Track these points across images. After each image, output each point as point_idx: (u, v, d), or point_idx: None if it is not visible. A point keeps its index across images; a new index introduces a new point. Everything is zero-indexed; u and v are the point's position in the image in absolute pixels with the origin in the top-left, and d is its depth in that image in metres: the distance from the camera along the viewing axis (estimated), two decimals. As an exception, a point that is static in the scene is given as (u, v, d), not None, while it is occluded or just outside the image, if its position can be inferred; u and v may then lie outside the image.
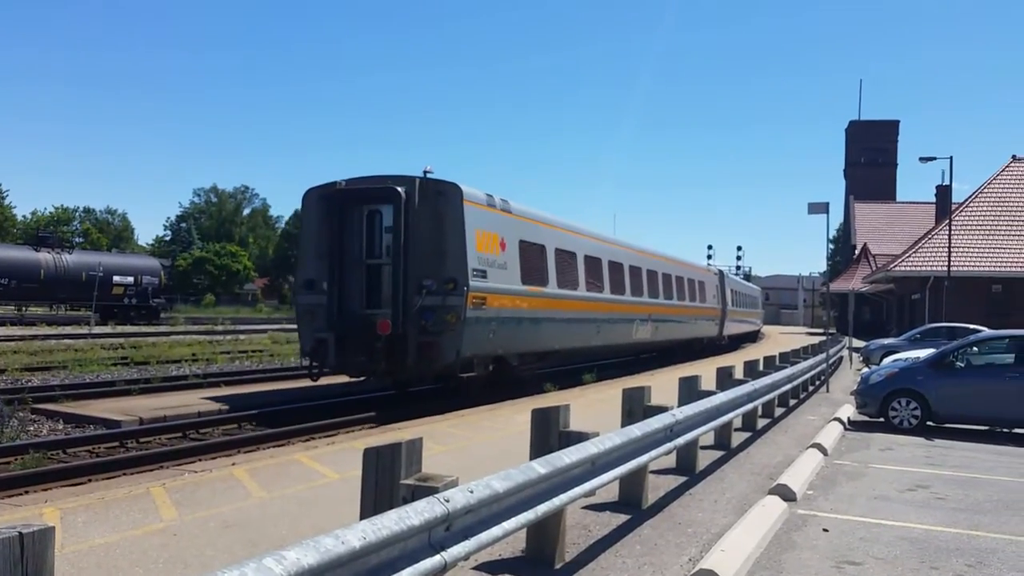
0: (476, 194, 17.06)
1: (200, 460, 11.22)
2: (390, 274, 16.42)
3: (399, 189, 16.14)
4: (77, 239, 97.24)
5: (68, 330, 38.36)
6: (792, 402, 18.11)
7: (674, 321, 31.81)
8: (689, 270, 35.48)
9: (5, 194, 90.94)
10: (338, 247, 16.66)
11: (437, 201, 16.39)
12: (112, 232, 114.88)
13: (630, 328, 26.47)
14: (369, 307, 16.76)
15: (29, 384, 18.05)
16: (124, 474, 10.46)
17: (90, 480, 10.10)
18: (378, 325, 15.91)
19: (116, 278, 48.54)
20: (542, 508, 5.35)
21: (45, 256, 45.32)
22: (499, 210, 17.94)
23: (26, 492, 9.31)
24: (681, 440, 8.57)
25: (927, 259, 41.80)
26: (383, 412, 15.98)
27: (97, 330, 38.90)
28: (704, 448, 11.14)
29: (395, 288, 16.15)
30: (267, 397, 17.48)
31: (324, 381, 18.06)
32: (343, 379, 18.13)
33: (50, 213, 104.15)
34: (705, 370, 15.07)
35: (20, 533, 2.57)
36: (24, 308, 49.26)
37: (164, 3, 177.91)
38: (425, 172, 16.65)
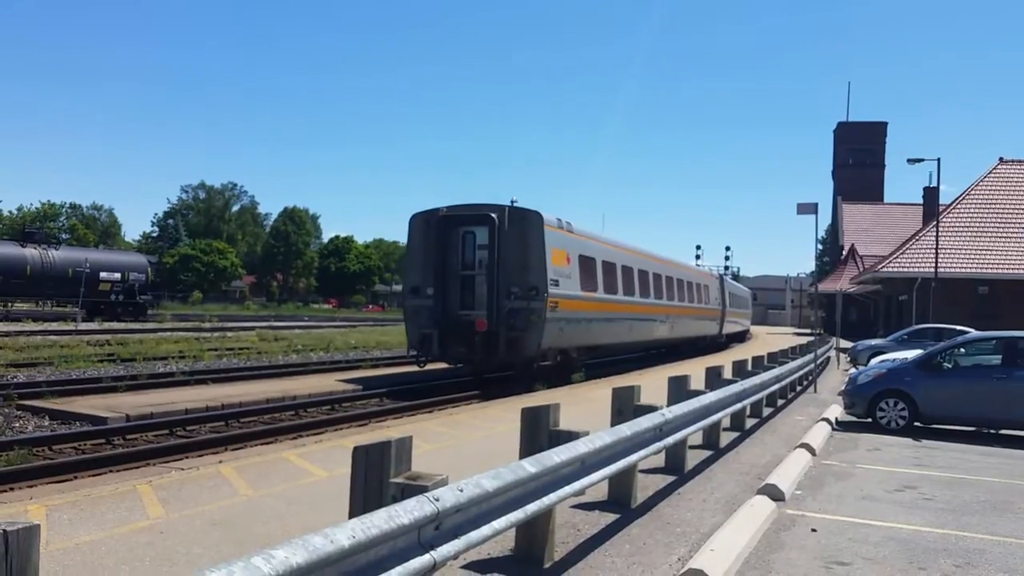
0: (551, 219, 20.99)
1: (187, 457, 11.16)
2: (482, 282, 20.31)
3: (492, 215, 20.14)
4: (64, 235, 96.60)
5: (54, 326, 38.18)
6: (780, 402, 18.15)
7: (685, 320, 35.57)
8: (696, 275, 40.04)
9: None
10: (440, 260, 20.43)
11: (522, 225, 20.29)
12: (99, 228, 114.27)
13: (653, 327, 30.44)
14: (463, 309, 20.48)
15: (15, 380, 17.92)
16: (110, 471, 10.39)
17: (76, 477, 10.03)
18: (476, 323, 19.89)
19: (103, 274, 48.28)
20: (532, 507, 5.33)
21: (31, 252, 45.04)
22: (565, 231, 21.85)
23: (11, 489, 9.23)
24: (670, 440, 8.56)
25: (914, 260, 41.99)
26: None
27: (83, 326, 38.72)
28: (693, 448, 11.14)
29: (489, 294, 20.05)
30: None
31: (400, 369, 23.30)
32: (413, 368, 22.15)
33: (36, 209, 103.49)
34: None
35: (4, 531, 2.53)
36: (10, 304, 48.92)
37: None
38: (512, 201, 20.87)
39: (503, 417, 13.76)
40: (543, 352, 20.49)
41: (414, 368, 21.95)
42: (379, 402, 18.00)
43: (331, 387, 19.29)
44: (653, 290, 29.83)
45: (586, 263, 23.10)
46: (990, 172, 47.22)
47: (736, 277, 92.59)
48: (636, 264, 28.14)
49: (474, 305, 20.38)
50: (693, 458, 10.83)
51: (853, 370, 22.16)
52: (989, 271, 41.06)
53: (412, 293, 21.10)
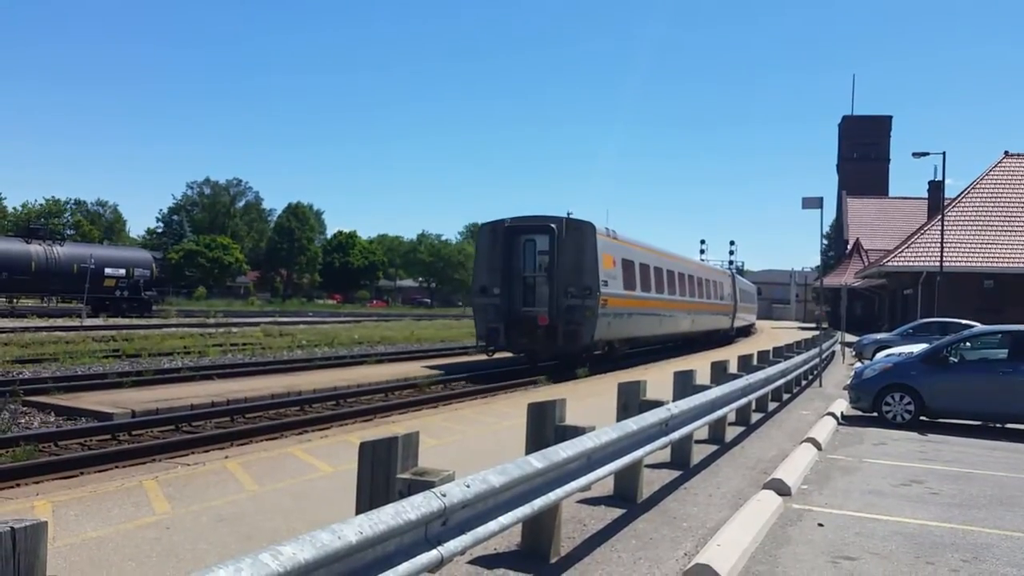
0: (600, 228, 23.90)
1: (193, 453, 11.17)
2: (542, 283, 23.40)
3: (552, 225, 23.02)
4: (68, 231, 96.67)
5: (59, 322, 38.22)
6: (785, 397, 18.13)
7: (704, 316, 38.75)
8: (712, 273, 43.54)
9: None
10: (505, 264, 23.41)
11: (577, 233, 23.16)
12: (103, 224, 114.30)
13: (678, 321, 33.55)
14: (526, 306, 23.53)
15: (20, 376, 17.95)
16: (116, 467, 10.40)
17: (82, 473, 10.04)
18: (538, 318, 22.91)
19: (108, 270, 48.33)
20: (538, 503, 5.32)
21: (36, 248, 45.08)
22: (611, 238, 24.85)
23: (17, 485, 9.24)
24: (676, 435, 8.55)
25: (919, 254, 41.85)
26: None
27: (88, 322, 38.78)
28: (699, 442, 11.14)
29: (549, 293, 23.03)
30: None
31: (464, 359, 26.55)
32: (481, 357, 25.46)
33: (41, 205, 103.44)
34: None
35: (12, 528, 2.52)
36: (15, 300, 49.01)
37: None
38: (568, 213, 23.60)
39: (509, 412, 13.76)
40: (595, 343, 23.49)
41: (415, 367, 21.90)
42: (384, 397, 18.01)
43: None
44: (678, 288, 32.86)
45: (627, 265, 26.07)
46: (996, 166, 46.99)
47: (741, 271, 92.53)
48: (665, 265, 31.20)
49: (535, 303, 23.45)
50: (699, 453, 10.82)
51: (858, 364, 22.12)
52: (995, 265, 40.90)
53: (480, 292, 23.97)
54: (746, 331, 55.84)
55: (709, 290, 39.74)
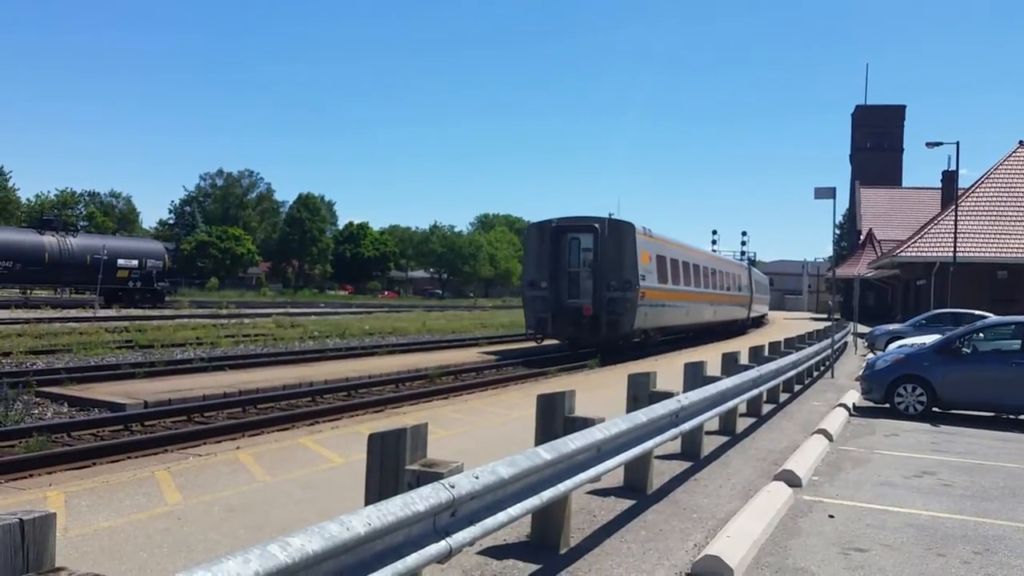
0: (639, 227, 25.99)
1: (205, 444, 11.21)
2: (586, 277, 25.49)
3: (596, 225, 25.28)
4: (81, 222, 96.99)
5: (73, 313, 38.41)
6: (797, 388, 18.07)
7: (725, 306, 41.08)
8: (731, 266, 46.19)
9: (9, 177, 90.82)
10: (553, 260, 25.56)
11: (618, 232, 25.33)
12: (116, 215, 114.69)
13: (702, 311, 35.53)
14: (571, 298, 25.62)
15: (34, 367, 18.06)
16: (128, 458, 10.44)
17: (94, 464, 10.09)
18: (583, 309, 25.13)
19: (120, 261, 48.51)
20: (547, 494, 5.32)
21: (49, 239, 45.28)
22: (647, 236, 26.79)
23: (30, 476, 9.30)
24: (686, 426, 8.53)
25: (933, 245, 41.60)
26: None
27: (101, 313, 38.97)
28: (709, 434, 11.11)
29: (593, 286, 25.17)
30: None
31: (505, 347, 28.92)
32: (517, 346, 28.64)
33: (54, 196, 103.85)
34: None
35: (21, 520, 2.54)
36: (29, 291, 49.22)
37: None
38: (610, 214, 26.27)
39: (518, 403, 13.77)
40: (634, 331, 25.79)
41: (413, 360, 21.84)
42: (395, 388, 18.05)
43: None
44: (702, 281, 35.04)
45: (661, 260, 28.18)
46: (1010, 155, 46.62)
47: (753, 262, 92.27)
48: (691, 259, 33.45)
49: (579, 295, 25.51)
50: (709, 444, 10.80)
51: (871, 355, 22.03)
52: (1008, 255, 40.61)
53: (530, 286, 26.22)
54: (759, 321, 56.48)
55: (728, 282, 41.80)
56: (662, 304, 28.17)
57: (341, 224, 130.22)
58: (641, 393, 8.51)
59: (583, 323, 25.28)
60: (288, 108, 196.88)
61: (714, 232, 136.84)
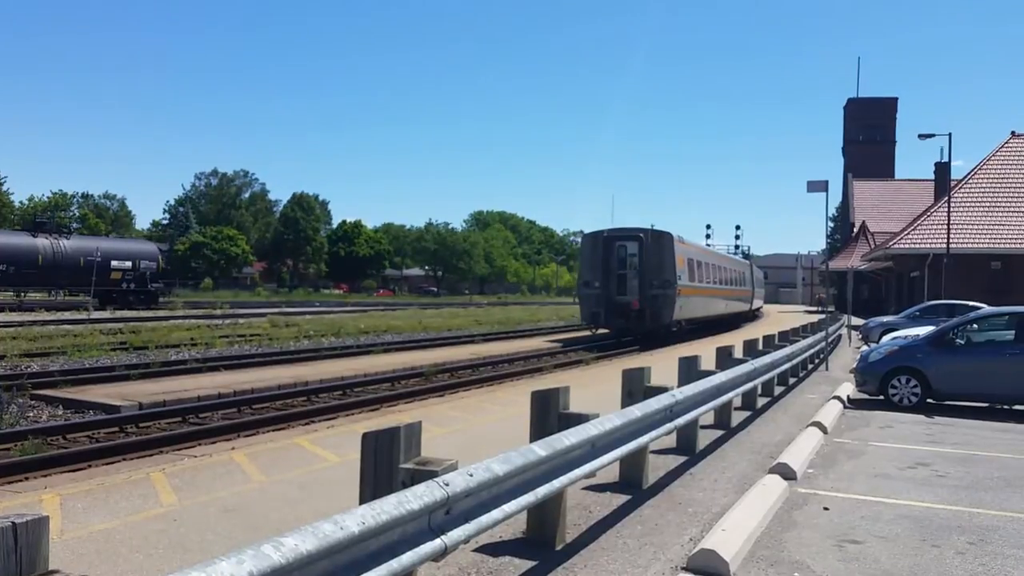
0: (675, 235, 31.43)
1: (200, 445, 11.18)
2: (632, 277, 30.75)
3: (641, 235, 30.84)
4: (75, 224, 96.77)
5: (67, 315, 38.30)
6: (791, 381, 18.11)
7: (733, 300, 45.91)
8: (736, 263, 51.88)
9: (2, 180, 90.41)
10: (604, 264, 30.87)
11: (659, 240, 30.85)
12: (110, 217, 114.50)
13: (719, 305, 40.83)
14: (619, 295, 30.78)
15: (28, 370, 17.99)
16: (124, 459, 10.41)
17: (90, 466, 10.06)
18: (631, 303, 30.27)
19: (114, 263, 48.41)
20: (542, 490, 5.33)
21: (43, 242, 45.18)
22: (681, 242, 32.41)
23: (26, 478, 9.27)
24: (681, 420, 8.54)
25: (926, 236, 41.69)
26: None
27: (96, 315, 38.83)
28: (704, 428, 11.14)
29: (639, 285, 30.45)
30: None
31: (558, 336, 33.95)
32: (571, 335, 33.74)
33: (48, 198, 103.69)
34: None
35: (13, 523, 2.54)
36: (23, 294, 49.13)
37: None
38: (651, 225, 31.85)
39: (513, 400, 13.78)
40: (672, 322, 30.95)
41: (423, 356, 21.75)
42: (390, 386, 18.04)
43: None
44: (719, 279, 40.54)
45: (690, 263, 33.48)
46: (1002, 146, 46.71)
47: (747, 256, 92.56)
48: (710, 260, 39.37)
49: (627, 292, 30.69)
50: (704, 438, 10.83)
51: (865, 348, 22.07)
52: (1002, 246, 40.72)
53: (585, 285, 31.70)
54: (756, 314, 58.71)
55: (735, 278, 47.28)
56: (692, 299, 33.50)
57: (335, 223, 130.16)
58: (636, 388, 8.53)
59: (631, 315, 30.33)
60: (282, 108, 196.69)
61: (708, 227, 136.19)
